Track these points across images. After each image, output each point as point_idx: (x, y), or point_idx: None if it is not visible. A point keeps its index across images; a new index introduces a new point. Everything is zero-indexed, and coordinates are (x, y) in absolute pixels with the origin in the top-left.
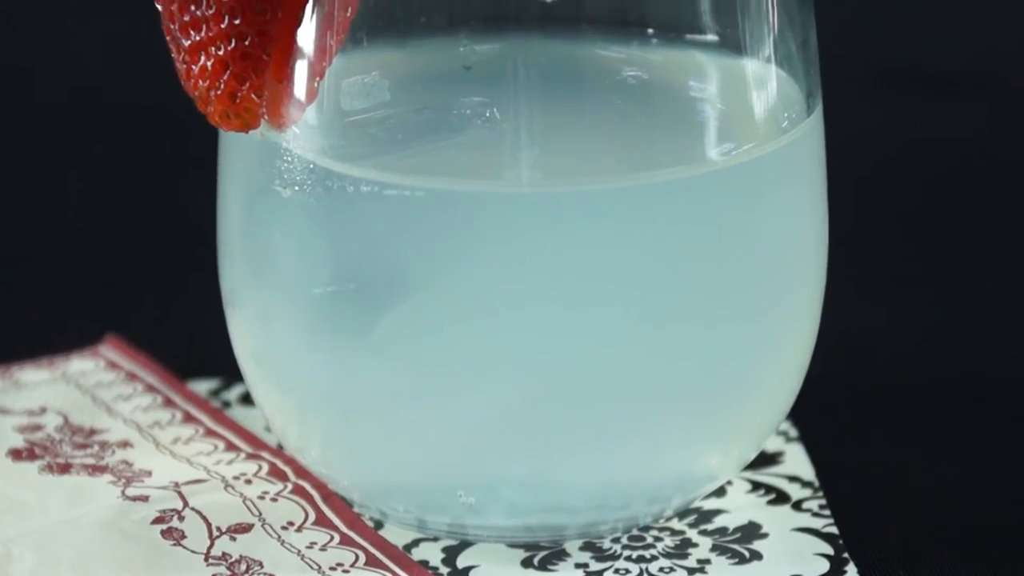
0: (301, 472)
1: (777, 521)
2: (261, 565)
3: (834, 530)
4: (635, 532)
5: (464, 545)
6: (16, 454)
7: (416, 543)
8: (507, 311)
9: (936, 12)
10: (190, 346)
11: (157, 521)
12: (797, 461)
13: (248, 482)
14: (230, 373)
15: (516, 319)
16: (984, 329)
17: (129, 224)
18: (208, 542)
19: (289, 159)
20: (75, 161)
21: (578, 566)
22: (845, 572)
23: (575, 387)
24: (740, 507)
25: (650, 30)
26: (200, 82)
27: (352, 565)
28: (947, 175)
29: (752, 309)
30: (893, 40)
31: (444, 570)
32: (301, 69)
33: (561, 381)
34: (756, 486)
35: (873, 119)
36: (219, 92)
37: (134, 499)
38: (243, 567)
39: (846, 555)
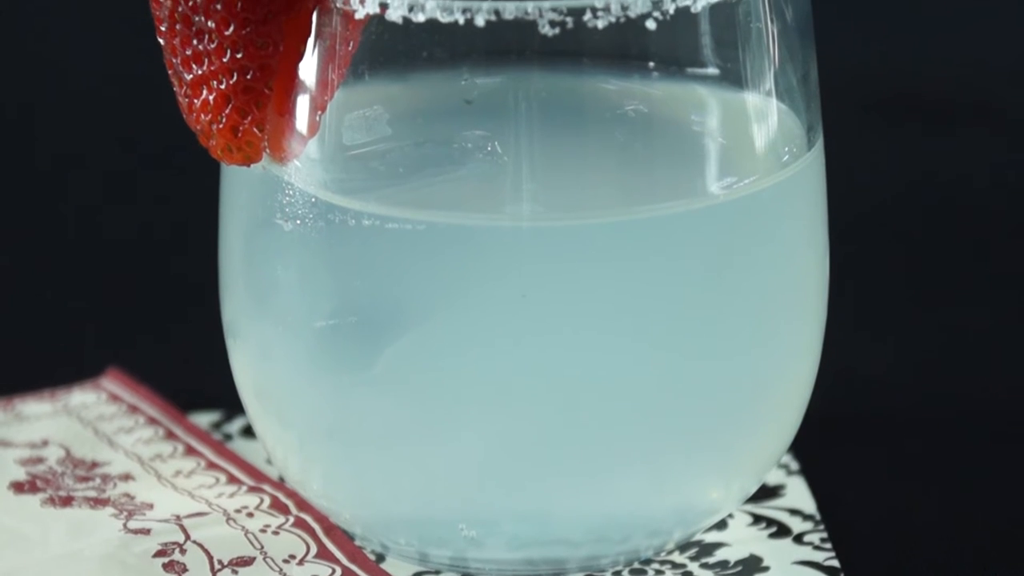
0: (303, 505)
1: (778, 554)
2: None
3: (835, 563)
4: (636, 565)
5: None
6: (18, 487)
7: None
8: (508, 345)
9: (937, 43)
10: (192, 379)
11: (159, 554)
12: (798, 494)
13: (250, 515)
14: (231, 406)
15: (517, 353)
16: (985, 363)
17: (130, 256)
18: (210, 575)
19: (291, 192)
20: (76, 192)
21: None
22: None
23: (576, 420)
24: (741, 540)
25: (651, 64)
26: (202, 116)
27: None
28: (948, 207)
29: (754, 342)
30: (893, 72)
31: None
32: (303, 103)
33: (562, 415)
34: (757, 519)
35: (874, 151)
36: (221, 126)
37: (136, 532)
38: None
39: None
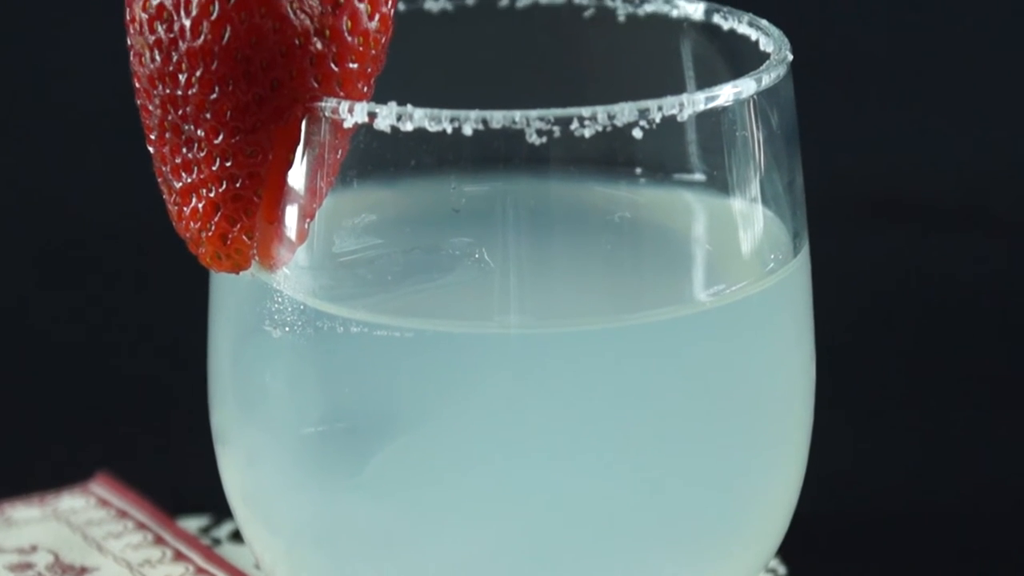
0: None
1: None
2: None
3: None
4: None
5: None
6: None
7: None
8: (496, 451)
9: (923, 148)
10: (180, 484)
11: None
12: None
13: None
14: (220, 510)
15: (506, 459)
16: (974, 467)
17: (119, 362)
18: None
19: (279, 300)
20: (65, 296)
21: None
22: None
23: (565, 527)
24: None
25: (638, 171)
26: (191, 223)
27: None
28: (935, 311)
29: (740, 448)
30: (879, 177)
31: None
32: (292, 211)
33: (551, 521)
34: None
35: (861, 255)
36: (210, 234)
37: None
38: None
39: None
